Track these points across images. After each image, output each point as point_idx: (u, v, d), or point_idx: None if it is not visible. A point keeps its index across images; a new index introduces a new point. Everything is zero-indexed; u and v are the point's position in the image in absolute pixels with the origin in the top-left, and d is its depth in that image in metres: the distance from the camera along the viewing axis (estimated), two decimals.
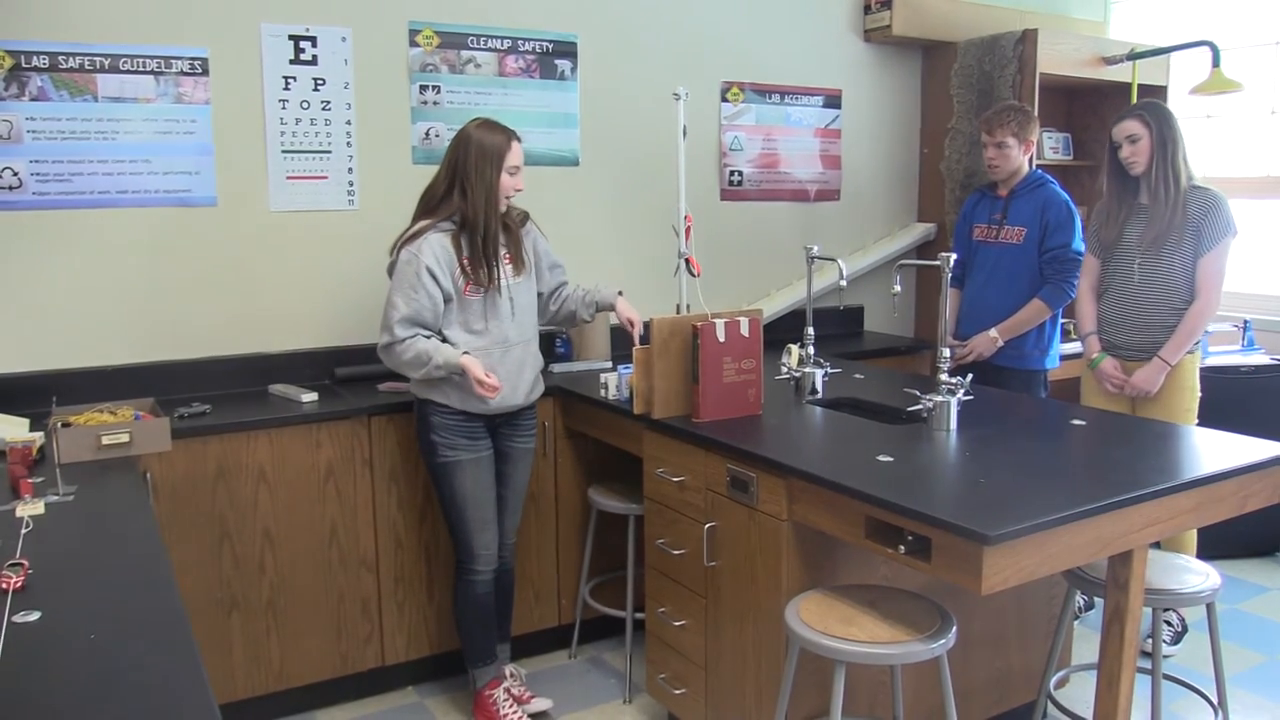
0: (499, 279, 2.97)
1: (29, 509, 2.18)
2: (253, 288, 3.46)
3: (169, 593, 1.72)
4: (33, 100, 3.07)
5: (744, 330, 2.97)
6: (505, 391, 2.98)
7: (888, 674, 2.70)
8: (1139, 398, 3.50)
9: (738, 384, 2.97)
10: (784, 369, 3.32)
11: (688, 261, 3.20)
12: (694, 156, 4.24)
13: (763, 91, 4.39)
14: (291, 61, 3.42)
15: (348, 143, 3.54)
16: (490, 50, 3.75)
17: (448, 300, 2.91)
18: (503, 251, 3.00)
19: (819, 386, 3.29)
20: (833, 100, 4.58)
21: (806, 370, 3.28)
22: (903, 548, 2.22)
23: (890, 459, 2.50)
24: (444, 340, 2.92)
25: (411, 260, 2.85)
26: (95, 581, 1.80)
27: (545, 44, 3.86)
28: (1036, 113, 4.10)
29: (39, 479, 2.39)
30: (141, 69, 3.20)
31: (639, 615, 3.26)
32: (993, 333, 3.76)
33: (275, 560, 3.13)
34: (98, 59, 3.14)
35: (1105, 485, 2.28)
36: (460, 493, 3.02)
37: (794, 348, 3.35)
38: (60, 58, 3.10)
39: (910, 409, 2.86)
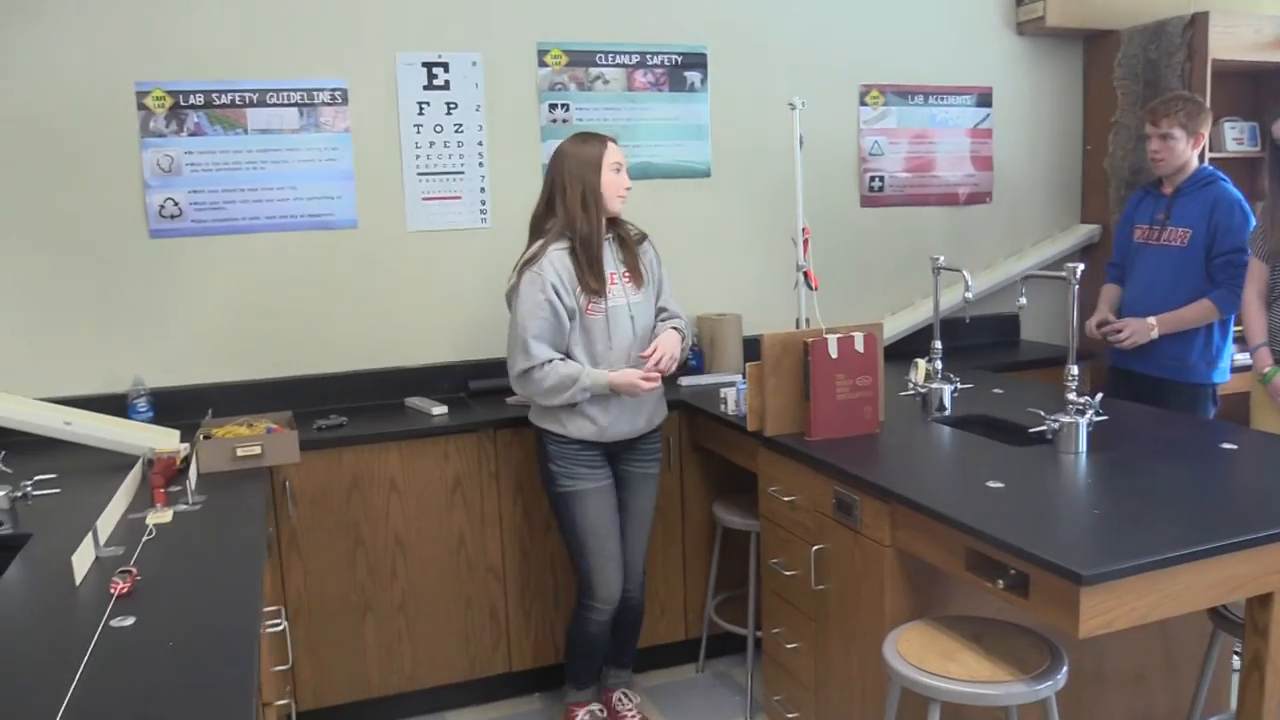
0: (619, 293, 2.90)
1: (157, 517, 2.36)
2: (392, 304, 3.63)
3: (250, 604, 1.82)
4: (190, 135, 3.34)
5: (859, 346, 2.87)
6: (625, 419, 2.94)
7: (1002, 713, 2.54)
8: None
9: (853, 401, 2.88)
10: (910, 384, 3.19)
11: (806, 275, 3.12)
12: (831, 163, 4.14)
13: (905, 93, 4.23)
14: (425, 87, 3.56)
15: (479, 163, 3.65)
16: (618, 66, 3.79)
17: (571, 318, 2.85)
18: (621, 268, 2.94)
19: (947, 403, 3.13)
20: (983, 98, 4.36)
21: (933, 386, 3.14)
22: (1002, 582, 2.08)
23: (1001, 485, 2.36)
24: None
25: (535, 279, 2.79)
26: (193, 589, 1.93)
27: (674, 57, 3.86)
28: (1209, 103, 3.77)
29: (178, 488, 2.59)
30: (286, 102, 3.42)
31: (760, 633, 3.21)
32: (1151, 320, 3.49)
33: (406, 566, 3.27)
34: (247, 94, 3.38)
35: (1241, 519, 2.06)
36: (581, 524, 2.97)
37: (921, 362, 3.21)
38: (214, 95, 3.35)
39: (1033, 429, 2.68)
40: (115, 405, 3.25)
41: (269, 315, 3.50)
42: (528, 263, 2.84)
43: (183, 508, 2.45)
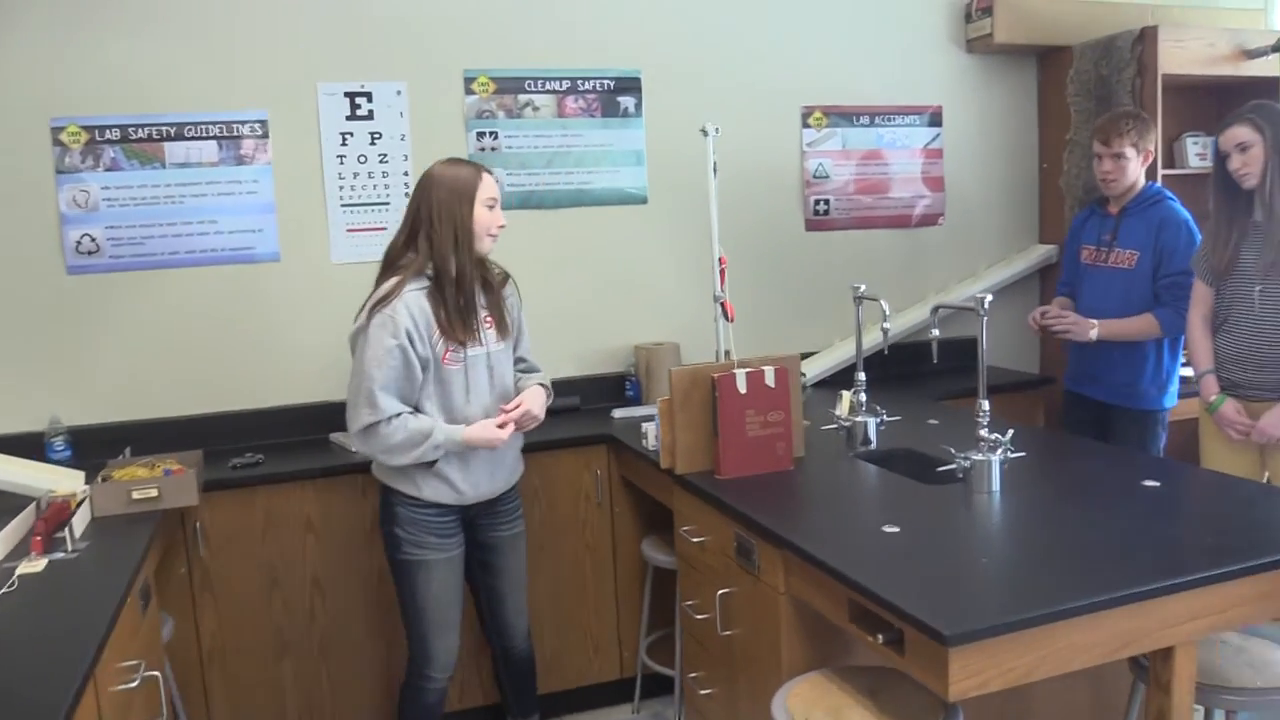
0: (481, 342, 2.65)
1: (29, 566, 2.30)
2: (317, 338, 3.56)
3: (75, 670, 1.75)
4: (107, 170, 3.29)
5: (769, 380, 2.79)
6: (484, 479, 2.72)
7: None
8: (1269, 446, 3.03)
9: (763, 438, 2.79)
10: (835, 418, 3.10)
11: (723, 306, 3.04)
12: (773, 186, 4.06)
13: (850, 114, 4.14)
14: (348, 118, 3.51)
15: (405, 194, 3.58)
16: (549, 92, 3.72)
17: (425, 369, 2.57)
18: (483, 313, 2.68)
19: (872, 436, 3.04)
20: (933, 118, 4.26)
21: (857, 419, 3.04)
22: (882, 637, 1.99)
23: (897, 529, 2.26)
24: None
25: (386, 323, 2.49)
26: (18, 655, 1.85)
27: (606, 82, 3.79)
28: (1160, 119, 3.68)
29: (63, 535, 2.53)
30: (205, 135, 3.37)
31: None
32: (1093, 321, 3.39)
33: (325, 607, 3.20)
34: (164, 128, 3.34)
35: (1140, 570, 1.95)
36: (423, 593, 2.71)
37: (845, 395, 3.12)
38: (130, 129, 3.31)
39: (942, 468, 2.58)
40: (32, 443, 3.20)
41: (190, 351, 3.44)
42: (379, 303, 2.52)
43: (60, 556, 2.39)
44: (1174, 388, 3.44)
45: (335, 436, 3.49)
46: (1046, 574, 1.99)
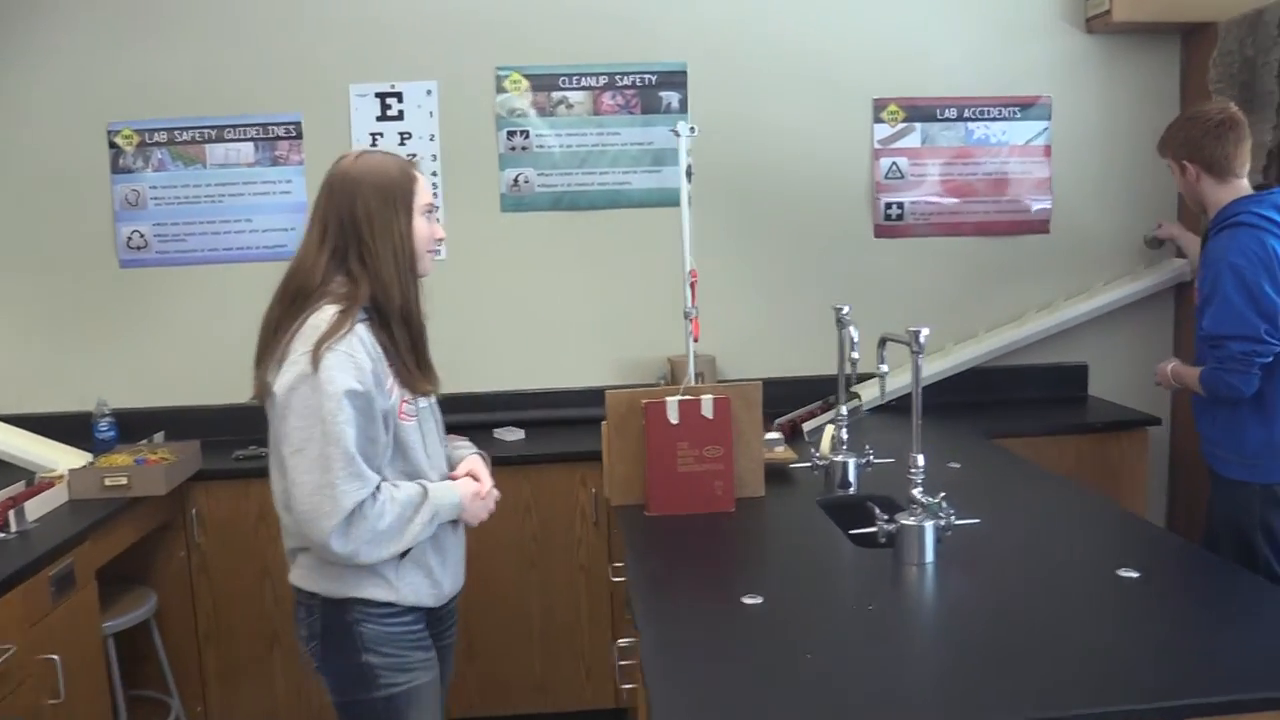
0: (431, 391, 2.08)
1: None
2: None
3: None
4: (155, 171, 3.51)
5: (706, 411, 2.51)
6: (455, 567, 2.12)
7: None
8: None
9: (698, 474, 2.52)
10: (812, 456, 2.75)
11: (691, 324, 2.77)
12: (839, 190, 3.69)
13: (933, 107, 3.66)
14: (379, 118, 3.53)
15: (434, 194, 3.57)
16: (584, 89, 3.56)
17: (385, 427, 1.94)
18: None
19: (852, 478, 2.67)
20: (1039, 109, 3.69)
21: (836, 459, 2.68)
22: None
23: (759, 600, 1.95)
24: None
25: (346, 365, 1.84)
26: None
27: (648, 76, 3.57)
28: None
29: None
30: (243, 137, 3.51)
31: None
32: (1170, 365, 2.88)
33: None
34: (206, 130, 3.50)
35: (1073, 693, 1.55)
36: None
37: (830, 428, 2.76)
38: (176, 132, 3.50)
39: (857, 531, 2.20)
40: (81, 423, 3.47)
41: (227, 344, 3.57)
42: (325, 339, 1.84)
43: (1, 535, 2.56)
44: (1275, 459, 2.74)
45: None
46: (915, 696, 1.61)
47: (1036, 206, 3.74)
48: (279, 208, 3.55)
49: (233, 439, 3.43)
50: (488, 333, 3.65)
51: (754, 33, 3.60)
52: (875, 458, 2.69)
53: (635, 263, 3.64)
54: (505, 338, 3.67)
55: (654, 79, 3.58)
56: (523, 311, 3.66)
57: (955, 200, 3.72)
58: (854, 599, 2.00)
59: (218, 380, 3.61)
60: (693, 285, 2.77)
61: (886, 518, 2.15)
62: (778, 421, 3.26)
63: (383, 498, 1.87)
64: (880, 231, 3.71)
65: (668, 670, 1.69)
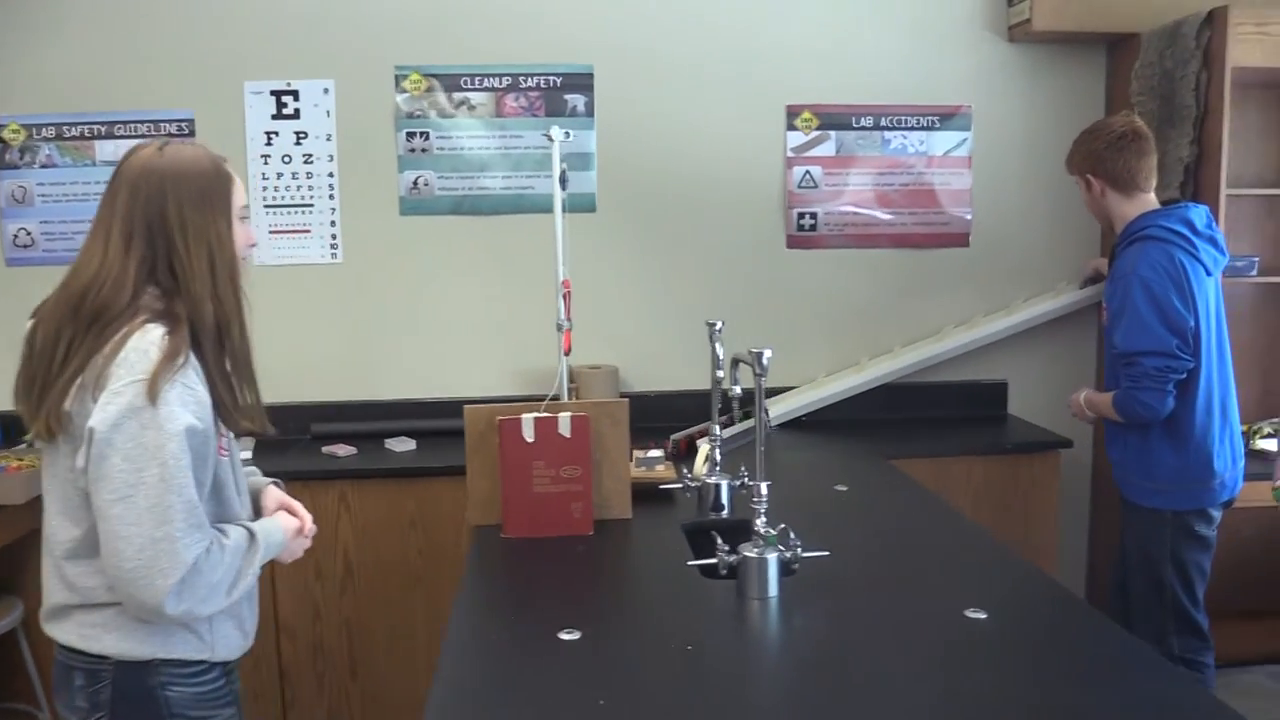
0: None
1: None
2: None
3: None
4: (42, 167, 3.40)
5: (564, 429, 2.40)
6: (255, 611, 1.90)
7: None
8: None
9: (554, 495, 2.41)
10: (685, 476, 2.64)
11: (564, 337, 2.66)
12: (751, 200, 3.58)
13: (847, 115, 3.55)
14: (274, 117, 3.42)
15: (330, 195, 3.46)
16: (486, 90, 3.46)
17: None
18: None
19: (725, 500, 2.56)
20: (960, 119, 3.58)
21: (709, 480, 2.57)
22: None
23: (575, 636, 1.84)
24: None
25: (186, 399, 1.63)
26: None
27: (553, 78, 3.46)
28: (1228, 122, 2.91)
29: None
30: (133, 133, 3.40)
31: None
32: (1083, 394, 2.82)
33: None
34: (95, 126, 3.39)
35: None
36: None
37: (703, 445, 2.66)
38: (64, 127, 3.39)
39: (694, 562, 2.09)
40: None
41: None
42: (163, 367, 1.61)
43: None
44: (1196, 485, 2.64)
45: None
46: None
47: (956, 219, 3.63)
48: None
49: None
50: (383, 339, 3.54)
51: (664, 34, 3.49)
52: (751, 480, 2.58)
53: (538, 270, 3.52)
54: (401, 345, 3.56)
55: (559, 81, 3.47)
56: (421, 318, 3.55)
57: (871, 211, 3.61)
58: (680, 637, 1.89)
59: None
60: (566, 296, 2.67)
61: (728, 548, 2.05)
62: (673, 437, 3.16)
63: (218, 552, 1.66)
64: (793, 242, 3.60)
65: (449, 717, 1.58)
